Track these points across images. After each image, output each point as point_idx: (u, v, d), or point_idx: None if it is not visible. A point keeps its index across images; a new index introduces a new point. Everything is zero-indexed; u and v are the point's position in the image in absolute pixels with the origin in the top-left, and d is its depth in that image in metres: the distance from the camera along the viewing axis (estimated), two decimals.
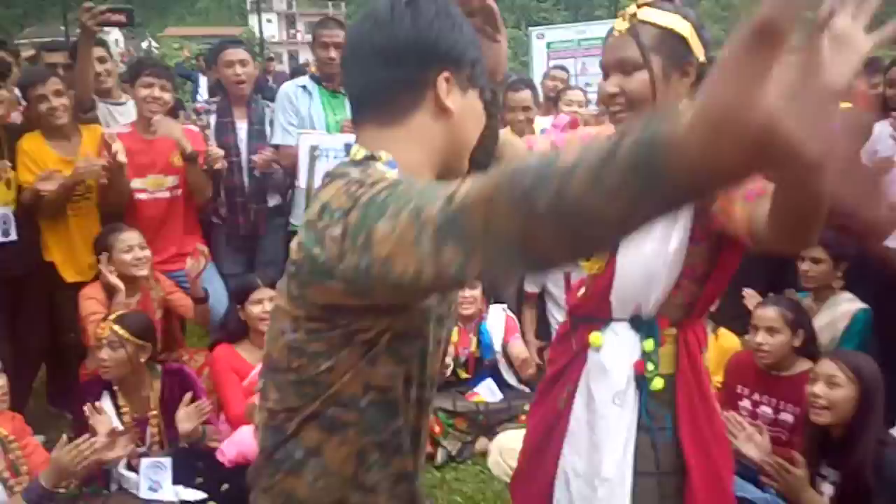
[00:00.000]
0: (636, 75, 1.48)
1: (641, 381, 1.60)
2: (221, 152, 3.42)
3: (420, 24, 1.04)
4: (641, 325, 1.62)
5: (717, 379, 3.00)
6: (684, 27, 1.49)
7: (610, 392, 1.62)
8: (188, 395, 2.68)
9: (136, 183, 3.31)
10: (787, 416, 2.69)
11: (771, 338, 2.66)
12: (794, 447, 2.54)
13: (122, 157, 3.10)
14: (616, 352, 1.63)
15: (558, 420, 1.71)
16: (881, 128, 3.40)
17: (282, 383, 1.09)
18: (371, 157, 1.04)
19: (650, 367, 1.59)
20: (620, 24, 1.52)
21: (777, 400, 2.71)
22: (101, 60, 3.63)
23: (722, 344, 3.08)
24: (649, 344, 1.60)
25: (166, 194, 3.39)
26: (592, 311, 1.68)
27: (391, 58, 1.04)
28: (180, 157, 3.32)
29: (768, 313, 2.69)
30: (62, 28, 10.52)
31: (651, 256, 1.55)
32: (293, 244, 1.03)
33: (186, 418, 2.63)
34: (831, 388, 2.30)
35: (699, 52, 1.50)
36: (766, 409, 2.73)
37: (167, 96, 3.35)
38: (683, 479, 1.59)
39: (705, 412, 1.61)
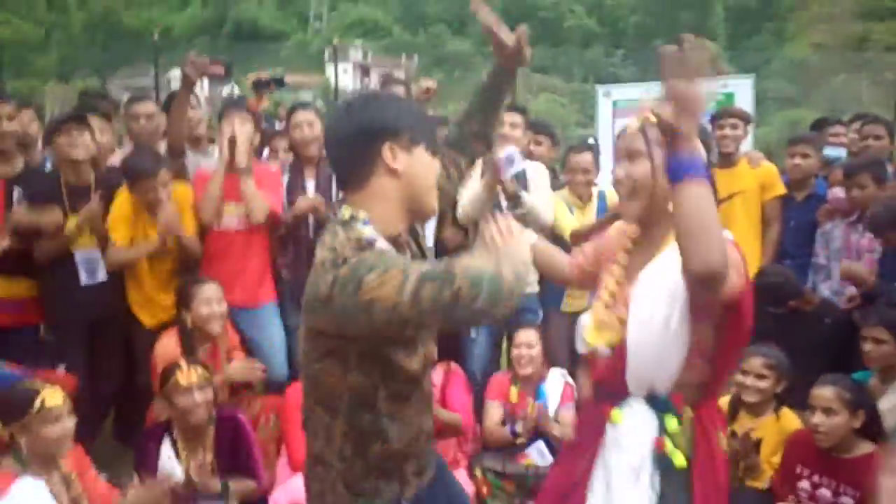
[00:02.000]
0: (640, 164, 1.65)
1: (662, 458, 1.61)
2: (314, 201, 3.53)
3: (361, 115, 1.47)
4: (658, 402, 1.65)
5: (776, 459, 2.91)
6: None
7: (626, 467, 1.64)
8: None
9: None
10: (847, 501, 2.59)
11: (827, 419, 2.59)
12: None
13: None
14: (634, 428, 1.66)
15: (574, 489, 1.74)
16: None
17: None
18: (353, 218, 1.47)
19: (669, 445, 1.61)
20: (634, 123, 1.70)
21: (837, 483, 2.62)
22: (191, 108, 3.77)
23: (783, 425, 2.98)
24: (672, 421, 1.62)
25: (234, 222, 3.47)
26: (612, 387, 1.72)
27: (346, 143, 1.48)
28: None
29: (825, 393, 2.61)
30: (153, 72, 11.04)
31: (658, 335, 1.60)
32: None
33: (195, 473, 2.69)
34: None
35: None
36: (825, 492, 2.64)
37: (248, 128, 3.44)
38: None
39: (717, 498, 1.62)
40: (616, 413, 1.69)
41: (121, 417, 3.79)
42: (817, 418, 2.60)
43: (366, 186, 1.48)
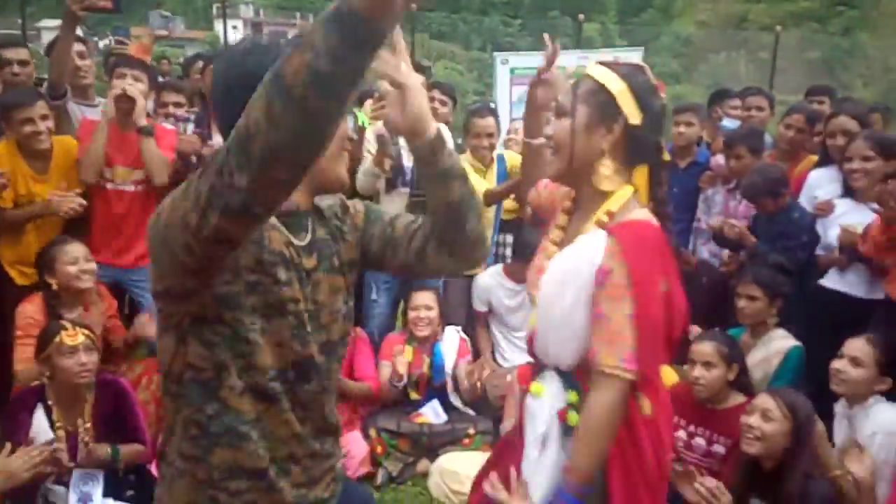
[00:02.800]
0: (563, 121, 1.58)
1: (567, 428, 1.64)
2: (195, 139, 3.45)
3: (255, 64, 1.17)
4: (565, 376, 1.66)
5: None
6: (618, 87, 1.57)
7: (534, 435, 1.68)
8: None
9: (102, 171, 3.31)
10: (719, 448, 2.76)
11: (707, 372, 2.74)
12: (725, 478, 2.61)
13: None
14: (544, 399, 1.69)
15: (507, 447, 1.81)
16: (819, 174, 3.56)
17: None
18: None
19: (573, 415, 1.63)
20: (575, 75, 1.63)
21: (711, 432, 2.79)
22: (81, 56, 3.60)
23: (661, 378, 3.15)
24: (573, 395, 1.64)
25: (132, 188, 3.37)
26: (533, 357, 1.77)
27: (235, 93, 1.16)
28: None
29: (705, 348, 2.76)
30: (19, 21, 10.19)
31: (559, 315, 1.60)
32: None
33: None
34: (766, 422, 2.39)
35: (631, 114, 1.57)
36: (699, 441, 2.80)
37: (141, 86, 3.38)
38: None
39: (637, 463, 1.62)
40: (535, 386, 1.72)
41: None
42: (697, 371, 2.75)
43: None
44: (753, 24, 25.30)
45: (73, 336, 2.56)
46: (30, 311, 2.96)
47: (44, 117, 3.12)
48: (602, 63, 1.63)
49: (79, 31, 3.50)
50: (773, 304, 3.11)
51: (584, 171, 1.60)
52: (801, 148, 3.95)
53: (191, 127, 3.67)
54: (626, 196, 1.60)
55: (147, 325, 3.11)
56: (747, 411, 2.46)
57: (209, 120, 3.64)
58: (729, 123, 4.47)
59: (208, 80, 3.58)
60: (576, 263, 1.58)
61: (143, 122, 3.28)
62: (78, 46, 3.52)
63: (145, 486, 2.58)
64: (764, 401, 2.44)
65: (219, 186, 0.99)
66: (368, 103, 3.45)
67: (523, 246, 3.71)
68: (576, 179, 1.65)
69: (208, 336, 1.22)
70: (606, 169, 1.59)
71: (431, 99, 4.01)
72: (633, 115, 1.57)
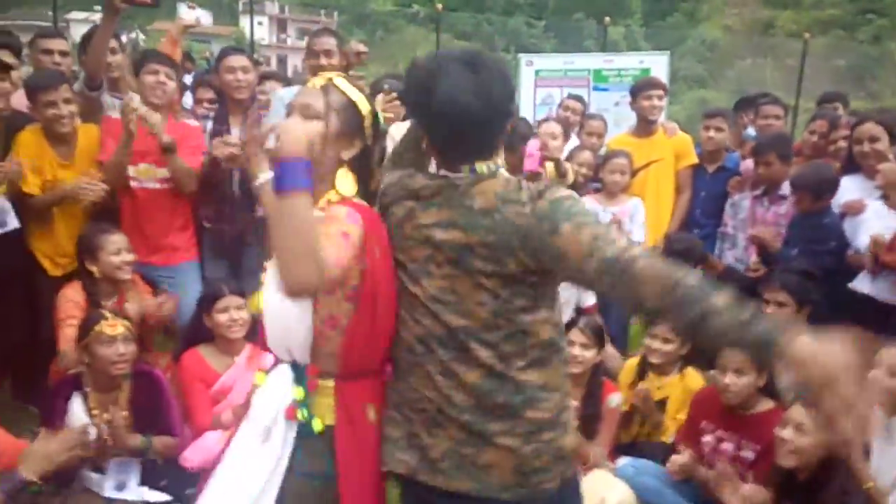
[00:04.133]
0: (314, 123, 1.61)
1: (301, 425, 1.65)
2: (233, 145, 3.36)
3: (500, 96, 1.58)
4: (297, 370, 1.67)
5: (681, 416, 3.07)
6: (365, 108, 1.67)
7: (257, 426, 1.66)
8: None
9: (128, 170, 3.32)
10: (747, 454, 2.75)
11: (737, 378, 2.73)
12: (754, 484, 2.61)
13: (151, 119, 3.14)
14: (270, 392, 1.68)
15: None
16: (847, 182, 3.54)
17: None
18: (491, 169, 1.63)
19: (302, 413, 1.64)
20: (317, 81, 1.68)
21: (739, 437, 2.77)
22: (113, 52, 3.62)
23: (687, 384, 3.15)
24: (299, 392, 1.65)
25: (156, 185, 3.38)
26: (270, 353, 1.75)
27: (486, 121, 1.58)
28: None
29: (735, 355, 2.73)
30: (49, 13, 10.27)
31: (280, 305, 1.59)
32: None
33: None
34: (800, 435, 2.37)
35: (367, 134, 1.68)
36: (728, 446, 2.79)
37: (171, 85, 3.37)
38: None
39: (360, 461, 1.65)
40: (260, 376, 1.73)
41: (20, 374, 3.59)
42: (728, 379, 2.73)
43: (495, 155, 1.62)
44: (780, 30, 25.09)
45: (112, 326, 2.61)
46: (71, 295, 3.02)
47: (67, 101, 3.16)
48: (343, 77, 1.72)
49: None
50: (801, 311, 3.10)
51: (320, 176, 1.62)
52: (825, 153, 3.94)
53: (209, 124, 3.69)
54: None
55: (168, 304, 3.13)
56: (781, 423, 2.45)
57: (228, 116, 3.66)
58: (752, 131, 4.48)
59: None
60: None
61: (165, 139, 3.24)
62: (111, 43, 3.54)
63: (179, 476, 2.63)
64: (797, 413, 2.42)
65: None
66: (380, 97, 3.41)
67: None
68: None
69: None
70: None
71: None
72: (369, 137, 1.70)
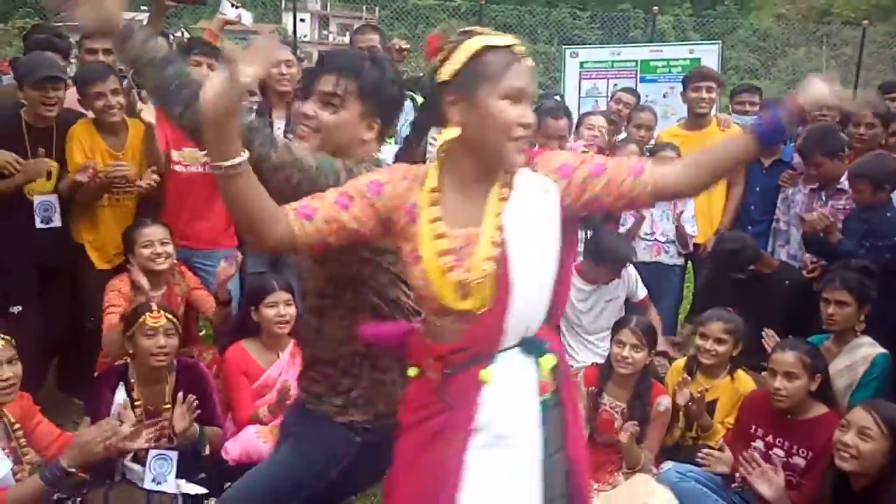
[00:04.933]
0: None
1: (545, 400, 1.51)
2: None
3: None
4: (530, 345, 1.53)
5: (730, 419, 2.97)
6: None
7: (520, 421, 1.50)
8: (186, 397, 2.65)
9: (172, 155, 3.39)
10: (799, 461, 2.65)
11: (788, 383, 2.62)
12: (806, 492, 2.50)
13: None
14: (516, 381, 1.51)
15: (446, 477, 1.49)
16: None
17: None
18: None
19: (552, 385, 1.53)
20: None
21: (790, 443, 2.67)
22: None
23: (737, 386, 3.05)
24: (549, 360, 1.53)
25: (200, 169, 3.41)
26: (474, 353, 1.51)
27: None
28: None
29: (787, 358, 2.64)
30: None
31: (540, 269, 1.50)
32: None
33: (180, 418, 2.63)
34: (862, 440, 2.26)
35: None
36: (778, 452, 2.69)
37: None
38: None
39: (579, 431, 1.60)
40: (486, 373, 1.49)
41: (65, 366, 3.66)
42: (779, 382, 2.63)
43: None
44: (836, 17, 24.23)
45: (156, 318, 2.66)
46: (117, 286, 3.10)
47: (115, 92, 3.25)
48: None
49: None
50: (861, 310, 2.97)
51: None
52: (877, 144, 3.76)
53: (252, 116, 3.71)
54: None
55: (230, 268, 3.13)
56: (842, 427, 2.33)
57: (271, 109, 3.69)
58: (739, 120, 4.39)
59: None
60: (538, 207, 1.50)
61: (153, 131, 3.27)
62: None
63: (217, 469, 2.65)
64: (860, 417, 2.29)
65: None
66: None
67: (600, 246, 3.64)
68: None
69: None
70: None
71: None
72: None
